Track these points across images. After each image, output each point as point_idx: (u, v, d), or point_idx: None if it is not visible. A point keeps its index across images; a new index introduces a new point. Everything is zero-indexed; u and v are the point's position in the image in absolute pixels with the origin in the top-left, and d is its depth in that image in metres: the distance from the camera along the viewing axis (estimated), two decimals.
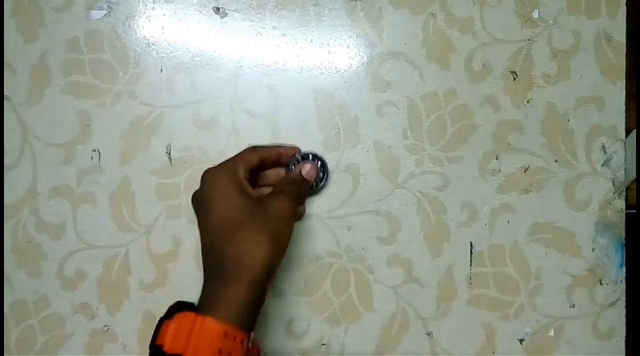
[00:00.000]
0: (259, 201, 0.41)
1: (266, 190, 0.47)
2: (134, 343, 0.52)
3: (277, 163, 0.49)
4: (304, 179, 0.47)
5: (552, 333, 0.52)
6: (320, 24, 0.53)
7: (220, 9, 0.53)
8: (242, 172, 0.43)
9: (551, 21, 0.53)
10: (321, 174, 0.51)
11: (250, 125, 0.52)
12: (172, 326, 0.35)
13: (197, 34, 0.53)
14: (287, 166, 0.50)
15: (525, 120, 0.53)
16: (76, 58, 0.52)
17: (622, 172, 0.53)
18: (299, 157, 0.50)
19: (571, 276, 0.53)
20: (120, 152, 0.52)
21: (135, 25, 0.53)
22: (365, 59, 0.53)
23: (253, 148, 0.47)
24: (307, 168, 0.48)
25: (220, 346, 0.34)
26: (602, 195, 0.53)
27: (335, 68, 0.53)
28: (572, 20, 0.53)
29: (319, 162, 0.51)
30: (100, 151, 0.52)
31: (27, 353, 0.52)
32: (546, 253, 0.53)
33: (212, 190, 0.41)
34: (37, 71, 0.52)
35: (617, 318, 0.53)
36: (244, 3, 0.53)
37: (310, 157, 0.50)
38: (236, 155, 0.46)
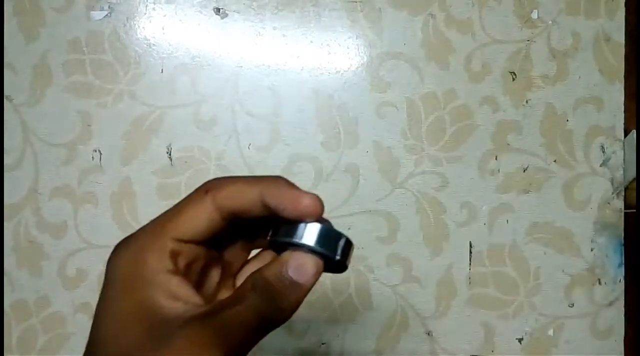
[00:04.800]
0: (167, 339, 0.22)
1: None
2: None
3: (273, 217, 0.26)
4: (287, 286, 0.24)
5: (551, 332, 0.53)
6: (320, 25, 0.53)
7: (221, 10, 0.53)
8: (163, 263, 0.24)
9: (550, 22, 0.53)
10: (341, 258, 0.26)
11: (251, 126, 0.52)
12: None
13: (197, 34, 0.53)
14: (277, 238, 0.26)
15: (524, 121, 0.53)
16: (77, 58, 0.53)
17: (621, 172, 0.53)
18: (311, 227, 0.24)
19: (570, 275, 0.53)
20: (121, 152, 0.52)
21: (136, 26, 0.53)
22: (365, 60, 0.53)
23: (219, 184, 0.25)
24: (297, 264, 0.24)
25: None
26: (600, 195, 0.53)
27: (335, 68, 0.53)
28: (571, 21, 0.53)
29: (343, 246, 0.25)
30: (102, 151, 0.52)
31: (28, 352, 0.52)
32: (545, 253, 0.53)
33: (102, 301, 0.24)
34: (38, 71, 0.52)
35: (615, 317, 0.53)
36: (244, 4, 0.53)
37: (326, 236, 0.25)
38: (169, 213, 0.25)
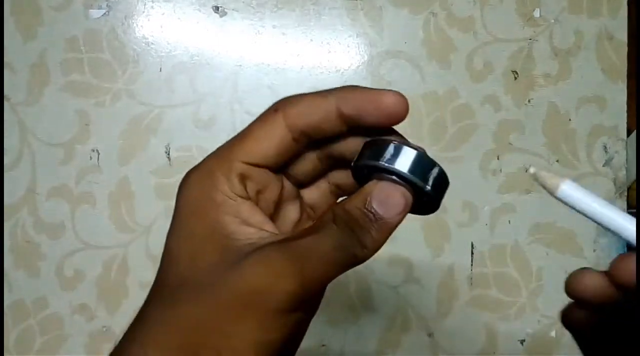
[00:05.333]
0: (243, 266, 0.21)
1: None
2: None
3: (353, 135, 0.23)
4: (371, 221, 0.21)
5: (553, 333, 0.52)
6: (320, 23, 0.53)
7: (220, 8, 0.53)
8: (233, 187, 0.22)
9: (552, 20, 0.53)
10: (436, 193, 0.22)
11: None
12: None
13: (196, 33, 0.52)
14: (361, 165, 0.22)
15: (526, 120, 0.53)
16: (75, 57, 0.52)
17: (624, 172, 0.53)
18: (403, 150, 0.21)
19: None
20: (119, 151, 0.52)
21: (134, 25, 0.53)
22: (366, 58, 0.53)
23: (291, 100, 0.23)
24: (382, 196, 0.21)
25: None
26: (603, 195, 0.53)
27: (336, 67, 0.53)
28: (573, 20, 0.53)
29: (437, 177, 0.22)
30: (99, 151, 0.52)
31: (26, 353, 0.52)
32: (547, 254, 0.53)
33: (172, 227, 0.23)
34: (36, 70, 0.52)
35: None
36: (243, 2, 0.53)
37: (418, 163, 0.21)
38: (238, 135, 0.23)
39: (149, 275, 0.52)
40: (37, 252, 0.52)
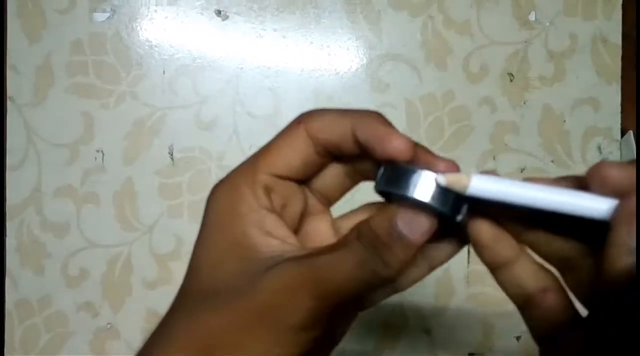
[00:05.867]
0: (263, 277, 0.22)
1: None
2: (137, 341, 0.53)
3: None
4: (395, 240, 0.21)
5: None
6: (320, 26, 0.54)
7: (222, 12, 0.54)
8: (259, 199, 0.23)
9: (547, 23, 0.54)
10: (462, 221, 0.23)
11: (251, 126, 0.53)
12: None
13: (199, 36, 0.53)
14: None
15: (521, 121, 0.53)
16: (80, 60, 0.53)
17: None
18: (426, 177, 0.21)
19: None
20: (124, 152, 0.53)
21: (138, 28, 0.53)
22: (365, 61, 0.53)
23: (314, 116, 0.23)
24: (407, 216, 0.21)
25: None
26: None
27: (335, 70, 0.53)
28: (568, 22, 0.54)
29: (454, 201, 0.22)
30: (104, 151, 0.53)
31: (31, 350, 0.52)
32: None
33: (199, 237, 0.24)
34: (41, 72, 0.53)
35: None
36: (245, 6, 0.54)
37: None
38: (264, 147, 0.24)
39: (152, 273, 0.53)
40: (42, 251, 0.53)
